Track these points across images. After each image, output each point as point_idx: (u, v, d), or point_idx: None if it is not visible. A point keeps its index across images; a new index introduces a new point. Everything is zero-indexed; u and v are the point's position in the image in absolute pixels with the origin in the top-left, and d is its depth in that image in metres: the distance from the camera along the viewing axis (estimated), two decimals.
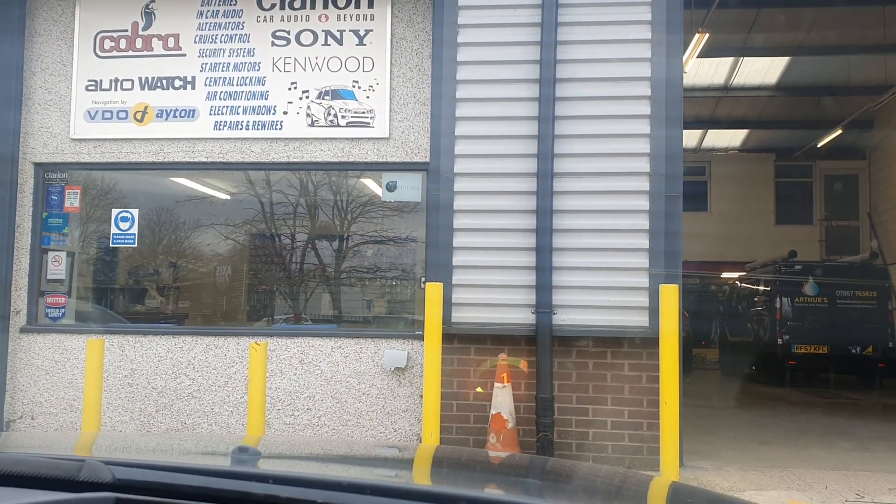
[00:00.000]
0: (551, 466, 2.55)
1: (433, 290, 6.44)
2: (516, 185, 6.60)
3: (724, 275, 20.31)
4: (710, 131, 20.03)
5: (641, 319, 6.41)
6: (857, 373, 14.87)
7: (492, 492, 1.80)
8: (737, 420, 9.81)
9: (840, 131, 17.16)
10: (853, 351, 14.09)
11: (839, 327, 14.14)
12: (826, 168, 21.07)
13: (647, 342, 6.43)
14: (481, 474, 2.09)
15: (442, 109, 6.70)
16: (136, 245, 7.76)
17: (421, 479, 2.02)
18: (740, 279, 18.56)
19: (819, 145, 18.63)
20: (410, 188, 7.34)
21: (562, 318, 6.46)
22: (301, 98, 7.33)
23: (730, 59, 15.61)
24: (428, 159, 7.04)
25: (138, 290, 9.05)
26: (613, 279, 6.46)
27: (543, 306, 6.41)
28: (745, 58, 15.51)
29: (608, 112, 6.56)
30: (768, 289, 15.72)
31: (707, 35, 11.86)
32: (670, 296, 6.18)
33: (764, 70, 16.15)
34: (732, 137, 21.11)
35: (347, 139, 7.29)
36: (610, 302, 6.46)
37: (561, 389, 6.54)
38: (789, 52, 15.05)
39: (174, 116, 7.48)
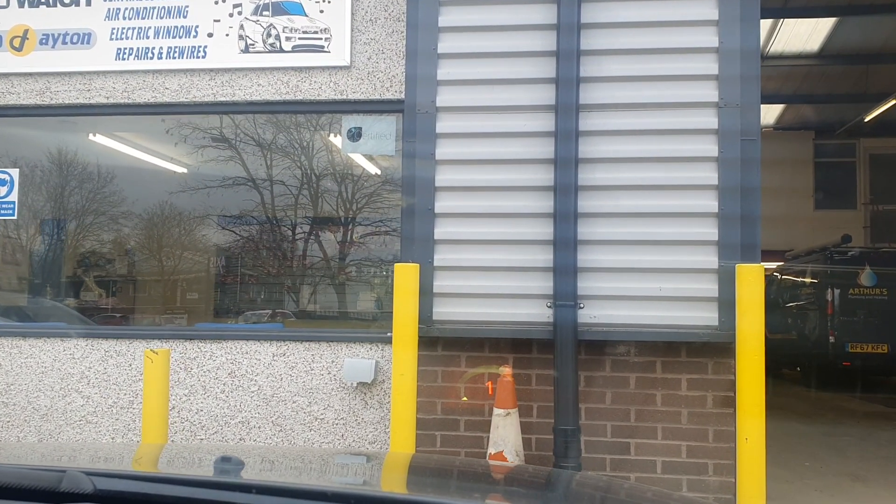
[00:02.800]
0: (579, 482, 2.09)
1: (405, 275, 4.48)
2: (524, 124, 4.60)
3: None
4: None
5: (707, 315, 4.41)
6: None
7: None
8: (805, 441, 7.80)
9: (893, 102, 15.22)
10: None
11: None
12: (871, 147, 19.21)
13: (716, 348, 4.46)
14: (476, 484, 1.88)
15: (419, 16, 4.69)
16: (15, 217, 5.83)
17: (411, 489, 1.86)
18: (779, 269, 16.57)
19: (866, 119, 16.69)
20: (381, 136, 5.36)
21: (591, 315, 4.48)
22: (232, 14, 5.38)
23: (768, 23, 13.80)
24: (404, 95, 5.05)
25: (73, 282, 7.24)
26: (666, 257, 4.46)
27: (565, 297, 4.41)
28: (786, 19, 13.74)
29: (657, 17, 4.56)
30: (815, 280, 13.82)
31: None
32: (752, 280, 4.21)
33: (806, 35, 14.51)
34: (767, 113, 19.28)
35: (294, 69, 5.33)
36: (661, 291, 4.46)
37: (590, 416, 4.57)
38: (837, 12, 13.25)
39: (63, 43, 5.54)
